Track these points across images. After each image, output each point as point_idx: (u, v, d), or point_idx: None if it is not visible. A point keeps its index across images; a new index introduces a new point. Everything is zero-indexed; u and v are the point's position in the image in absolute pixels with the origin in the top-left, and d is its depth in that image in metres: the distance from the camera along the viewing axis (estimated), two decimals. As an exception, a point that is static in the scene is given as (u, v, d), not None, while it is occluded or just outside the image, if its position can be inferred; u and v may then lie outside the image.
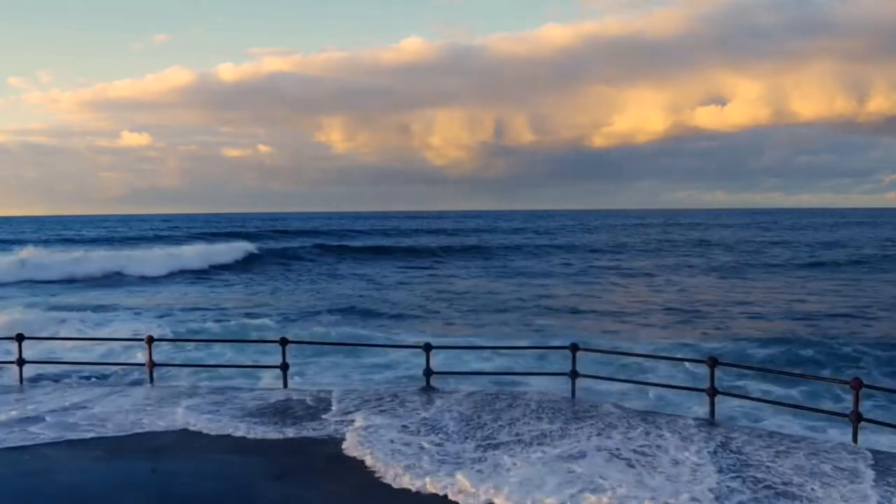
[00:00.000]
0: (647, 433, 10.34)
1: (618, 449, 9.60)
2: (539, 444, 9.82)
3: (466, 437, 10.13)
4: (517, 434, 10.26)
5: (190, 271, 48.17)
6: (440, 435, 10.28)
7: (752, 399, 12.99)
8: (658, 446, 9.78)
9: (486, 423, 10.78)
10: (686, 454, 9.35)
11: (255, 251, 57.83)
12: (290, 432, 10.71)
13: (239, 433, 10.74)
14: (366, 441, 10.04)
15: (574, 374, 12.48)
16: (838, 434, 11.59)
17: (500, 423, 10.81)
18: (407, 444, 9.89)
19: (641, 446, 9.75)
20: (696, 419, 11.24)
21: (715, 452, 9.42)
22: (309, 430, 10.82)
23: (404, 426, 10.74)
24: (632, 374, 16.85)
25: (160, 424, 11.23)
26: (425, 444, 9.85)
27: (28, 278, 42.55)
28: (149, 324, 26.29)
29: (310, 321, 27.60)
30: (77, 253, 50.85)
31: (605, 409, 11.62)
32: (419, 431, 10.47)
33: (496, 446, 9.72)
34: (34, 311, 28.52)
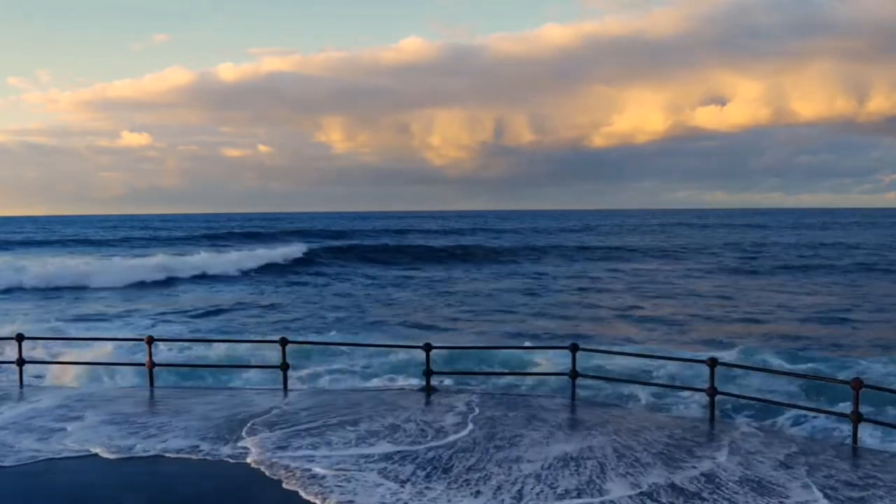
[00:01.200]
0: (683, 448, 9.11)
1: (656, 487, 7.67)
2: (550, 486, 7.82)
3: (445, 473, 8.29)
4: (516, 460, 8.67)
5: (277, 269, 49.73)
6: (408, 466, 8.55)
7: (754, 399, 12.96)
8: (709, 479, 7.93)
9: (478, 442, 9.48)
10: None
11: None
12: (205, 446, 9.47)
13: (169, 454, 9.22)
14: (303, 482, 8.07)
15: (574, 374, 12.47)
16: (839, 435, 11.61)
17: (496, 441, 9.52)
18: (346, 480, 7.96)
19: (692, 480, 7.84)
20: (750, 426, 10.30)
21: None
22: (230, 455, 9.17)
23: (361, 458, 8.79)
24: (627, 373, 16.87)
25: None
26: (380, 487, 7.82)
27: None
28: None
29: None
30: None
31: (616, 414, 11.43)
32: (377, 458, 8.79)
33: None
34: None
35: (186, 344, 20.54)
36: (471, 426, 10.41)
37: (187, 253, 56.58)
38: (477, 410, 11.37)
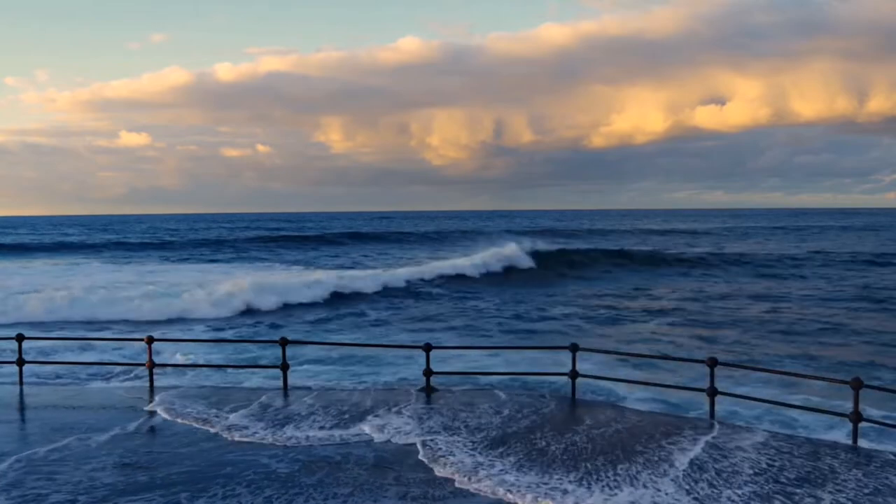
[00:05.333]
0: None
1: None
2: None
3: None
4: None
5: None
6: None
7: (753, 399, 12.93)
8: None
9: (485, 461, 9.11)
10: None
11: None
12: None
13: None
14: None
15: (574, 375, 12.47)
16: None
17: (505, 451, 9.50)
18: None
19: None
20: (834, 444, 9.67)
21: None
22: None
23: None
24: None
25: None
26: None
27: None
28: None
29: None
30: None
31: (629, 418, 11.43)
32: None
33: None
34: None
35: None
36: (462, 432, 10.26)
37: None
38: (473, 412, 11.28)
